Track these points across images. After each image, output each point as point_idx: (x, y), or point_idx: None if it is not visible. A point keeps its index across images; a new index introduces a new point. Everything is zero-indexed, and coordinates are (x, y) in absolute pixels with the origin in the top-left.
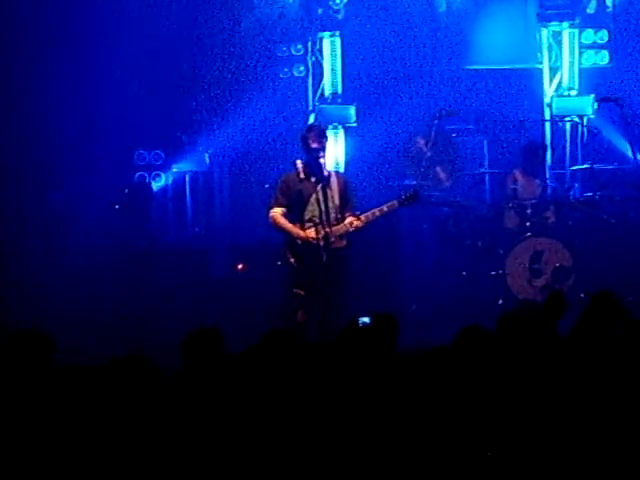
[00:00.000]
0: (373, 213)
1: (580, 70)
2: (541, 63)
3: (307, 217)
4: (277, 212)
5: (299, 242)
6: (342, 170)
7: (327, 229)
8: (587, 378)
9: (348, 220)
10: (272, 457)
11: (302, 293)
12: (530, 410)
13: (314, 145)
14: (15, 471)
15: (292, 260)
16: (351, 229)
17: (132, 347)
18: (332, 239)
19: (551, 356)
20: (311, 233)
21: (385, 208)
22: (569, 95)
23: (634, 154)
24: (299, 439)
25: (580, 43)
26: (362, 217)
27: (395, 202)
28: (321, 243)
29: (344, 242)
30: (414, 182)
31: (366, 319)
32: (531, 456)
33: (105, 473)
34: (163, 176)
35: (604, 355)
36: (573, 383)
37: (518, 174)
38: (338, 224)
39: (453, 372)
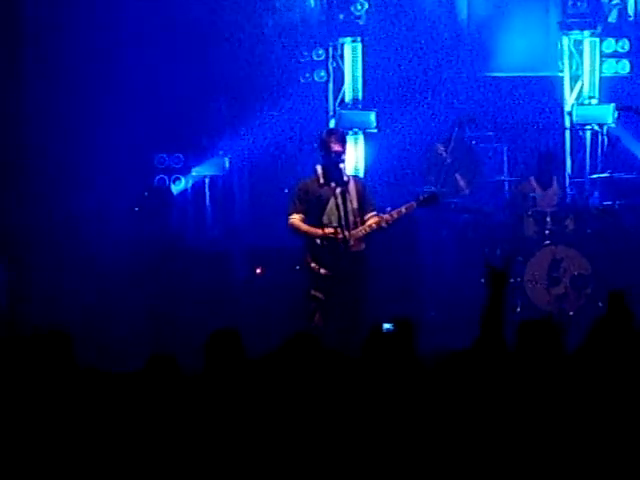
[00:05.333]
0: (392, 215)
1: (601, 79)
2: (562, 71)
3: (325, 222)
4: (296, 218)
5: (319, 243)
6: (361, 175)
7: (346, 233)
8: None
9: (370, 221)
10: (290, 461)
11: (320, 296)
12: (542, 415)
13: (335, 149)
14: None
15: (313, 265)
16: (375, 227)
17: (152, 349)
18: (351, 242)
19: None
20: (330, 230)
21: (403, 209)
22: (590, 103)
23: None
24: (317, 444)
25: (601, 52)
26: (385, 216)
27: (413, 203)
28: (340, 247)
29: (363, 245)
30: (433, 188)
31: (389, 325)
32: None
33: (122, 472)
34: (183, 180)
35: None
36: (583, 394)
37: (534, 182)
38: (357, 228)
39: (472, 378)
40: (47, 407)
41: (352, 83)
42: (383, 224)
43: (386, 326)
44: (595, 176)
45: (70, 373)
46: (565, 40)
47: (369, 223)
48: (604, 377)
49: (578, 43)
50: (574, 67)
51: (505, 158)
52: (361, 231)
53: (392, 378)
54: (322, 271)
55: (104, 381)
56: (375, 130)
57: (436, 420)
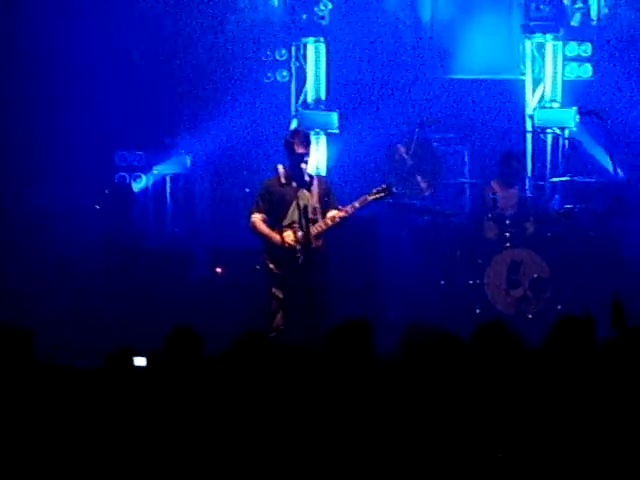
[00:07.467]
0: (346, 210)
1: (563, 82)
2: (524, 74)
3: (287, 222)
4: (257, 218)
5: (277, 247)
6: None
7: (306, 230)
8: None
9: (330, 215)
10: (251, 457)
11: (280, 296)
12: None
13: (299, 150)
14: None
15: (271, 265)
16: (330, 224)
17: (112, 347)
18: (312, 244)
19: (523, 368)
20: (289, 238)
21: (357, 204)
22: (551, 107)
23: (614, 167)
24: (275, 441)
25: (564, 55)
26: (339, 212)
27: (367, 196)
28: (299, 247)
29: (320, 241)
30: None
31: None
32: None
33: (83, 471)
34: (144, 177)
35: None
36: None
37: (495, 185)
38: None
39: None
40: (4, 403)
41: (314, 83)
42: (337, 219)
43: None
44: (556, 179)
45: (28, 370)
46: (528, 43)
47: (332, 215)
48: (563, 380)
49: (540, 46)
50: (536, 70)
51: (466, 160)
52: (317, 228)
53: (350, 377)
54: (271, 266)
55: (62, 378)
56: (337, 131)
57: (399, 419)
